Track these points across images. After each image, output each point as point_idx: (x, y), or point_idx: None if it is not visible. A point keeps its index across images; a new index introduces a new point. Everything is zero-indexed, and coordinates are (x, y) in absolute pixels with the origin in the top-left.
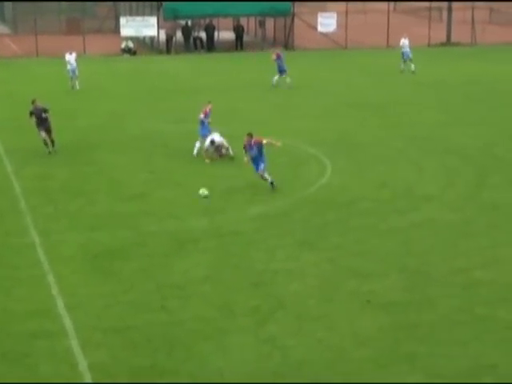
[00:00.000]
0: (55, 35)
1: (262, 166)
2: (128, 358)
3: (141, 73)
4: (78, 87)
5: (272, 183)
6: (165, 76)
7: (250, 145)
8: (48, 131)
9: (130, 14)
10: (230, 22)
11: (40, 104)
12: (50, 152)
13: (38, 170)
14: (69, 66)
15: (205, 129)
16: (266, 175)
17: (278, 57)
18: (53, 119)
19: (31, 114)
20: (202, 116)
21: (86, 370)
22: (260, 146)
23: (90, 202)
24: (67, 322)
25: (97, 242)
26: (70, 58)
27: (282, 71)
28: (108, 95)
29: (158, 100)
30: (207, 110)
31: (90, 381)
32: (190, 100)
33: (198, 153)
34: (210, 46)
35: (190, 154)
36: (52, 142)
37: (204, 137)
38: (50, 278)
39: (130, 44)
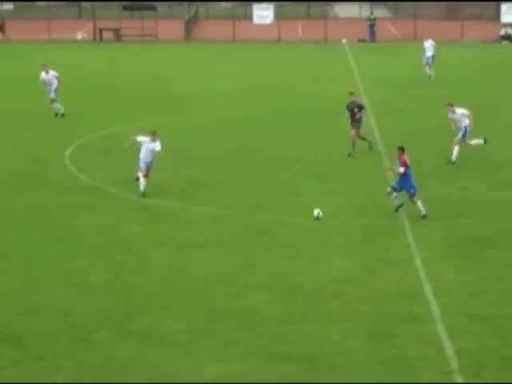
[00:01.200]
0: (434, 20)
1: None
2: (495, 347)
3: None
4: (430, 75)
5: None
6: None
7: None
8: (357, 128)
9: None
10: None
11: (356, 98)
12: (370, 148)
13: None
14: (426, 53)
15: None
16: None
17: None
18: (422, 106)
19: (347, 107)
20: None
21: (452, 356)
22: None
23: (458, 189)
24: (434, 307)
25: (465, 228)
26: (427, 44)
27: None
28: (479, 82)
29: None
30: None
31: (456, 366)
32: None
33: None
34: None
35: None
36: (363, 138)
37: None
38: (418, 262)
39: (510, 31)
